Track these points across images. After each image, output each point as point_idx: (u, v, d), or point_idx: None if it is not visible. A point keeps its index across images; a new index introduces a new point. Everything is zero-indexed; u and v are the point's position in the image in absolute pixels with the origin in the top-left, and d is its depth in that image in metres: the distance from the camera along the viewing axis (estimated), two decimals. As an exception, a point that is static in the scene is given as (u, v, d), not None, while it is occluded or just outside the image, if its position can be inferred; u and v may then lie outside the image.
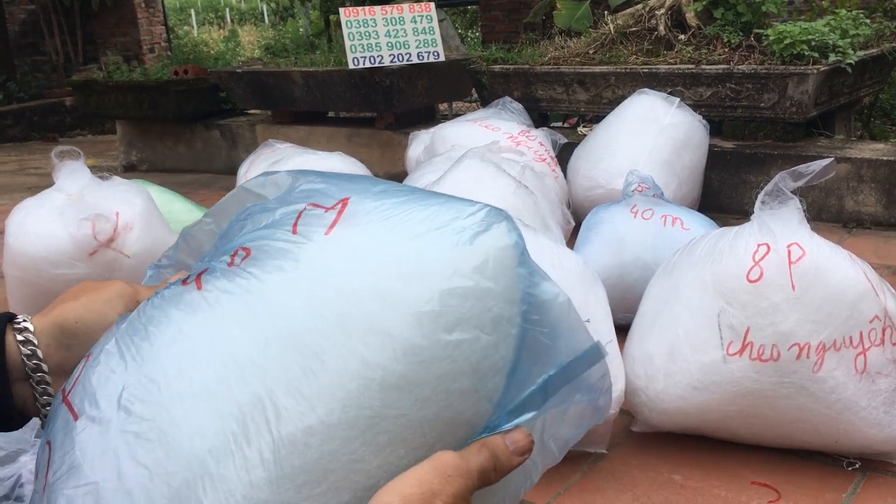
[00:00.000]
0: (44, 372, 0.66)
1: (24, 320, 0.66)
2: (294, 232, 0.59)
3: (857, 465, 1.53)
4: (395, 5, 4.20)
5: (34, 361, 0.65)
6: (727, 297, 1.48)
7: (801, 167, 1.47)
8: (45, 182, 3.80)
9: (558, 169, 3.02)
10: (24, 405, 0.66)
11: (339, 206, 0.61)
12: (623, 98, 3.22)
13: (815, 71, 3.03)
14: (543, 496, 1.52)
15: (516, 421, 0.56)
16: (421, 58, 4.09)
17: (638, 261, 2.13)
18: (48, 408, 0.66)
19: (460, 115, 4.13)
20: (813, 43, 3.09)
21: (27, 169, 5.88)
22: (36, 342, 0.65)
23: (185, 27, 16.14)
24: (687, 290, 1.55)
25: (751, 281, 1.46)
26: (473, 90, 4.30)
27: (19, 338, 0.65)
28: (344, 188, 0.63)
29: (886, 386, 1.48)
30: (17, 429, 0.67)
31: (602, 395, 0.61)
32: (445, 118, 4.55)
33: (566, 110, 3.91)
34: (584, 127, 3.95)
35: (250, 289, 0.57)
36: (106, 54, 7.08)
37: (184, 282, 0.61)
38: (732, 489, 1.49)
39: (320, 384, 0.51)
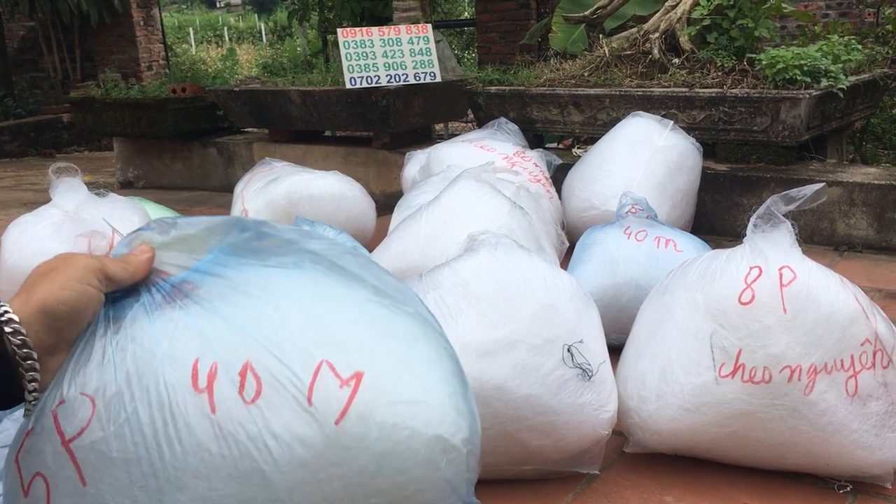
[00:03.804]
0: (34, 360, 0.68)
1: (7, 310, 0.68)
2: (309, 402, 0.68)
3: (849, 488, 1.53)
4: (393, 26, 4.23)
5: (24, 350, 0.67)
6: (719, 320, 1.49)
7: (793, 191, 1.48)
8: (41, 198, 3.80)
9: (553, 190, 3.04)
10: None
11: (354, 381, 0.70)
12: (617, 120, 3.25)
13: (808, 95, 3.06)
14: (536, 517, 1.52)
15: None
16: (417, 78, 4.12)
17: (631, 282, 2.14)
18: (35, 393, 0.70)
19: (456, 135, 4.16)
20: (805, 68, 3.13)
21: (23, 185, 5.89)
22: (24, 332, 0.67)
23: (184, 45, 16.23)
24: (680, 311, 1.56)
25: (743, 303, 1.48)
26: (469, 111, 4.34)
27: (7, 329, 0.67)
28: (359, 353, 0.72)
29: (877, 409, 1.49)
30: (15, 405, 0.70)
31: None
32: (441, 138, 4.58)
33: (561, 131, 3.94)
34: (578, 148, 3.98)
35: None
36: (104, 71, 7.10)
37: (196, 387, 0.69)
38: (724, 511, 1.50)
39: None
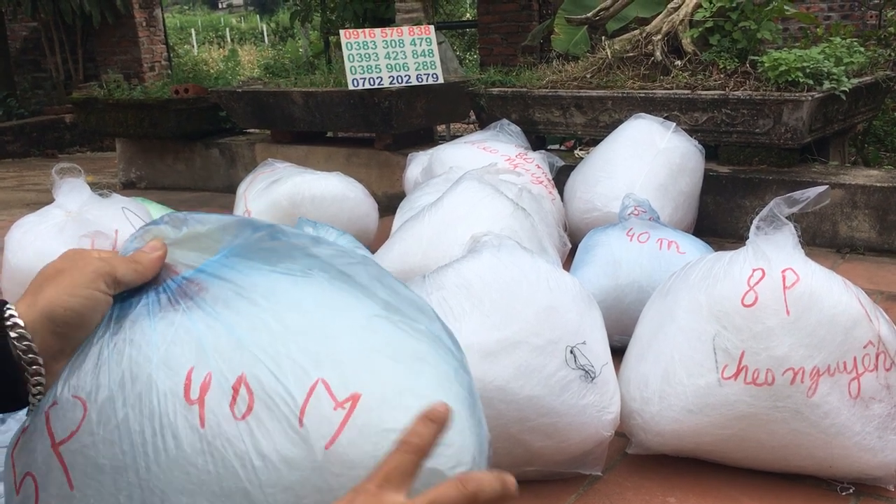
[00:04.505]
0: (39, 365, 0.68)
1: (13, 314, 0.68)
2: (300, 424, 0.66)
3: (851, 490, 1.53)
4: (395, 27, 4.24)
5: (30, 356, 0.67)
6: (722, 321, 1.50)
7: (796, 194, 1.49)
8: (43, 198, 3.81)
9: (555, 191, 3.04)
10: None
11: (349, 404, 0.66)
12: (620, 122, 3.25)
13: (810, 98, 3.06)
14: (538, 518, 1.52)
15: None
16: (420, 80, 4.12)
17: (634, 284, 2.14)
18: (39, 397, 0.70)
19: (458, 136, 4.16)
20: (808, 70, 3.13)
21: (26, 185, 5.90)
22: (30, 337, 0.67)
23: (186, 46, 16.24)
24: (682, 313, 1.57)
25: (746, 305, 1.48)
26: (472, 112, 4.34)
27: (13, 334, 0.67)
28: (358, 373, 0.69)
29: (880, 411, 1.49)
30: (21, 408, 0.70)
31: None
32: (443, 140, 4.59)
33: (563, 133, 3.94)
34: (581, 150, 3.98)
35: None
36: (106, 72, 7.11)
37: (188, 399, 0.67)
38: (727, 513, 1.50)
39: None
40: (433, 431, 0.63)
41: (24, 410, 0.71)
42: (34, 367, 0.67)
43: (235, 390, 0.66)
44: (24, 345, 0.67)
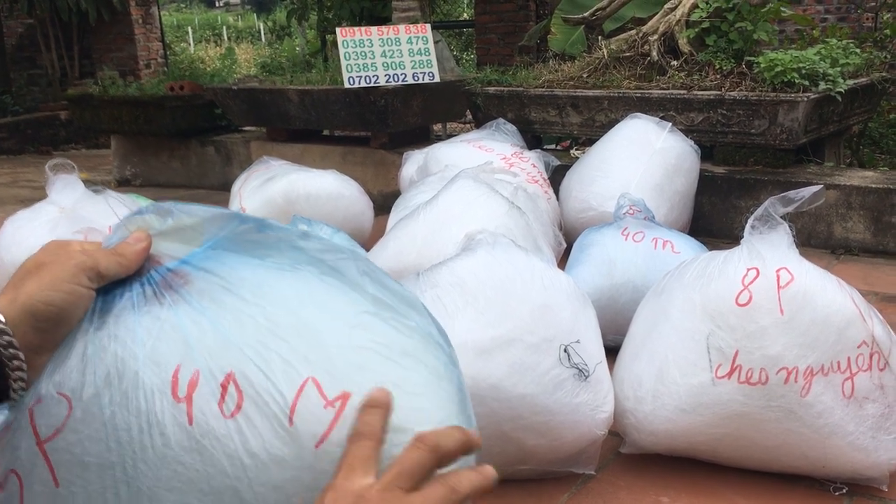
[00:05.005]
0: (20, 360, 0.67)
1: None
2: (290, 422, 0.65)
3: (844, 490, 1.53)
4: (392, 26, 4.23)
5: (10, 350, 0.66)
6: (716, 321, 1.49)
7: (791, 193, 1.49)
8: (37, 195, 3.79)
9: (551, 191, 3.04)
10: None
11: (340, 403, 0.66)
12: (616, 122, 3.25)
13: (806, 99, 3.06)
14: (531, 517, 1.51)
15: None
16: (416, 78, 4.12)
17: (628, 283, 2.14)
18: (21, 392, 0.69)
19: (454, 135, 4.16)
20: (803, 71, 3.14)
21: (20, 182, 5.88)
22: (11, 333, 0.66)
23: (182, 44, 16.21)
24: (677, 312, 1.56)
25: (740, 304, 1.48)
26: (468, 111, 4.34)
27: None
28: (348, 372, 0.68)
29: (873, 411, 1.49)
30: (4, 402, 0.69)
31: None
32: (439, 138, 4.58)
33: (559, 133, 3.94)
34: (576, 150, 3.98)
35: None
36: (102, 69, 7.09)
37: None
38: (720, 512, 1.50)
39: None
40: (379, 416, 0.64)
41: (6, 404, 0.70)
42: (15, 361, 0.67)
43: (224, 388, 0.65)
44: (5, 340, 0.66)
